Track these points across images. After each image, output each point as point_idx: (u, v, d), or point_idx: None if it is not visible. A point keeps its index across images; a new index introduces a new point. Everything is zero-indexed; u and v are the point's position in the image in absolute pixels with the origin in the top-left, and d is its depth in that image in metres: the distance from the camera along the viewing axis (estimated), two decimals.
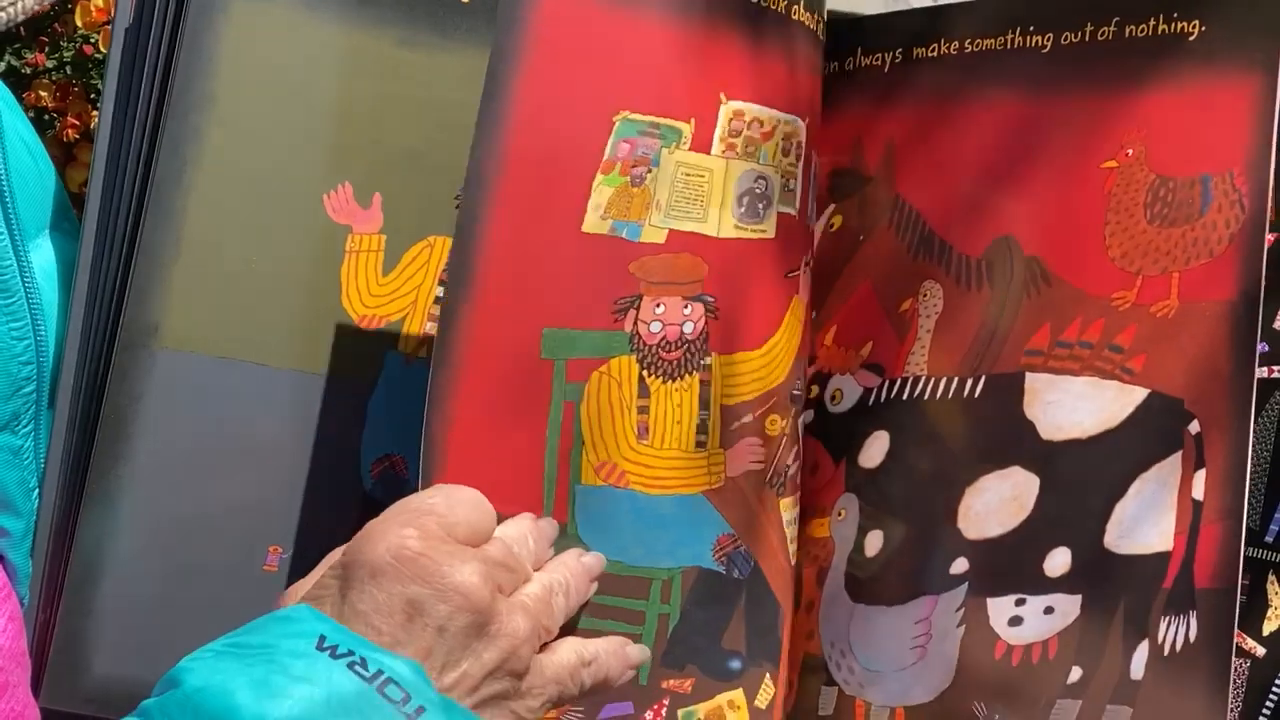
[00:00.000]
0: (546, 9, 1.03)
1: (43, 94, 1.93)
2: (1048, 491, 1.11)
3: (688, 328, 1.08)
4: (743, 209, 1.10)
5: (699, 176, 1.08)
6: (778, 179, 1.11)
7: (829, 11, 1.19)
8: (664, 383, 1.07)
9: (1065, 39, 1.16)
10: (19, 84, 1.96)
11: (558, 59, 1.03)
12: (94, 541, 1.08)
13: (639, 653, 1.05)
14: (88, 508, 1.08)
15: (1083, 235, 1.13)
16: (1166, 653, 1.05)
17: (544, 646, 0.98)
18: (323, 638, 0.87)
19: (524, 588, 0.97)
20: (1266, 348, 1.22)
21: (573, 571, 1.01)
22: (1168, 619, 1.05)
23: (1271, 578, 1.22)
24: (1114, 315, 1.11)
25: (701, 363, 1.08)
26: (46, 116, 1.95)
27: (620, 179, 1.05)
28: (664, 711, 1.08)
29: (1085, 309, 1.12)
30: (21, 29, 2.06)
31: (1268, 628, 1.20)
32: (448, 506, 0.95)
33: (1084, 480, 1.10)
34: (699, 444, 1.09)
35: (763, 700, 1.12)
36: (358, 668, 0.86)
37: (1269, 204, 1.06)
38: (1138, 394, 1.10)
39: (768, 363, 1.11)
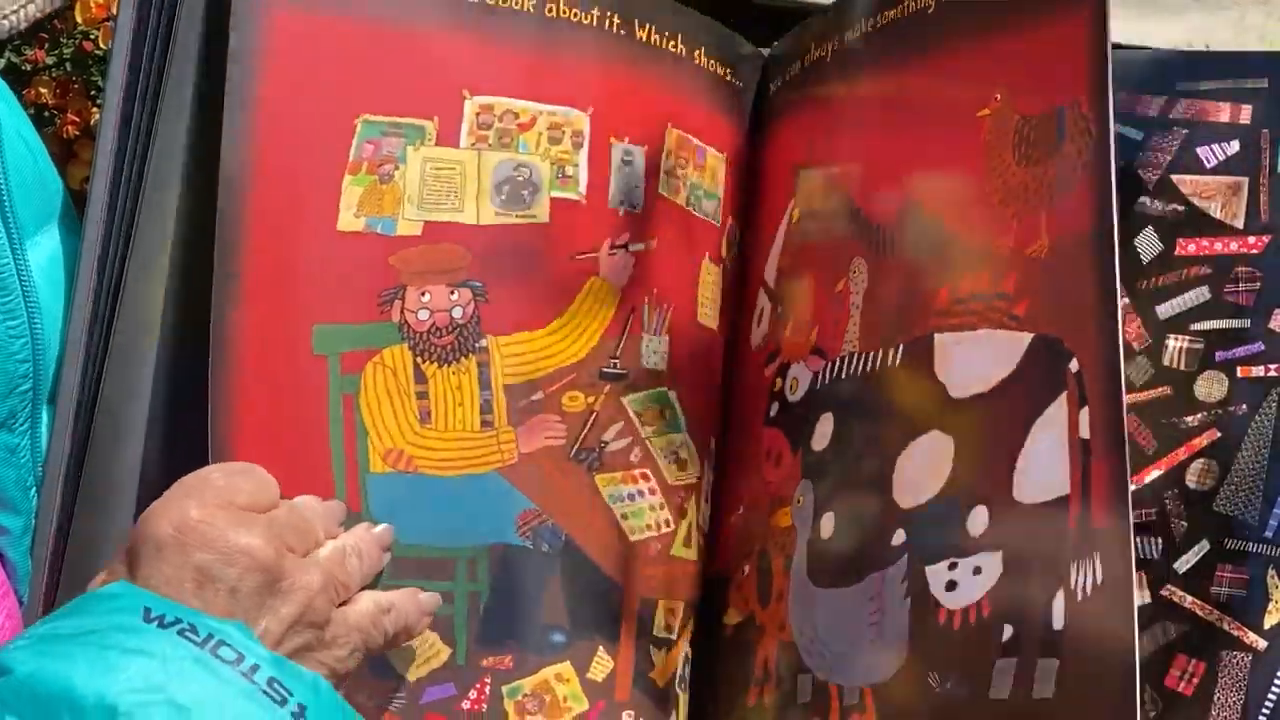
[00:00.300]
0: (279, 23, 1.10)
1: (43, 91, 2.00)
2: (961, 451, 1.09)
3: (456, 313, 1.12)
4: (503, 197, 1.14)
5: (449, 169, 1.13)
6: (546, 166, 1.16)
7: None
8: (440, 367, 1.11)
9: None
10: (19, 81, 2.03)
11: (294, 69, 1.10)
12: (93, 540, 1.09)
13: (430, 599, 1.07)
14: (86, 506, 1.09)
15: (967, 188, 1.13)
16: (1080, 598, 1.00)
17: (343, 604, 1.01)
18: (148, 610, 0.90)
19: (316, 550, 1.00)
20: (1263, 347, 1.20)
21: (363, 539, 1.05)
22: (1076, 564, 1.01)
23: (1271, 572, 1.18)
24: (997, 263, 1.10)
25: (477, 345, 1.12)
26: (47, 113, 2.02)
27: (368, 178, 1.11)
28: (487, 689, 1.10)
29: (974, 262, 1.12)
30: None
31: (1269, 621, 1.17)
32: (225, 477, 1.00)
33: (989, 435, 1.08)
34: (485, 423, 1.12)
35: (597, 673, 1.13)
36: (189, 634, 0.89)
37: (1113, 128, 1.07)
38: (1024, 339, 1.07)
39: (555, 341, 1.15)
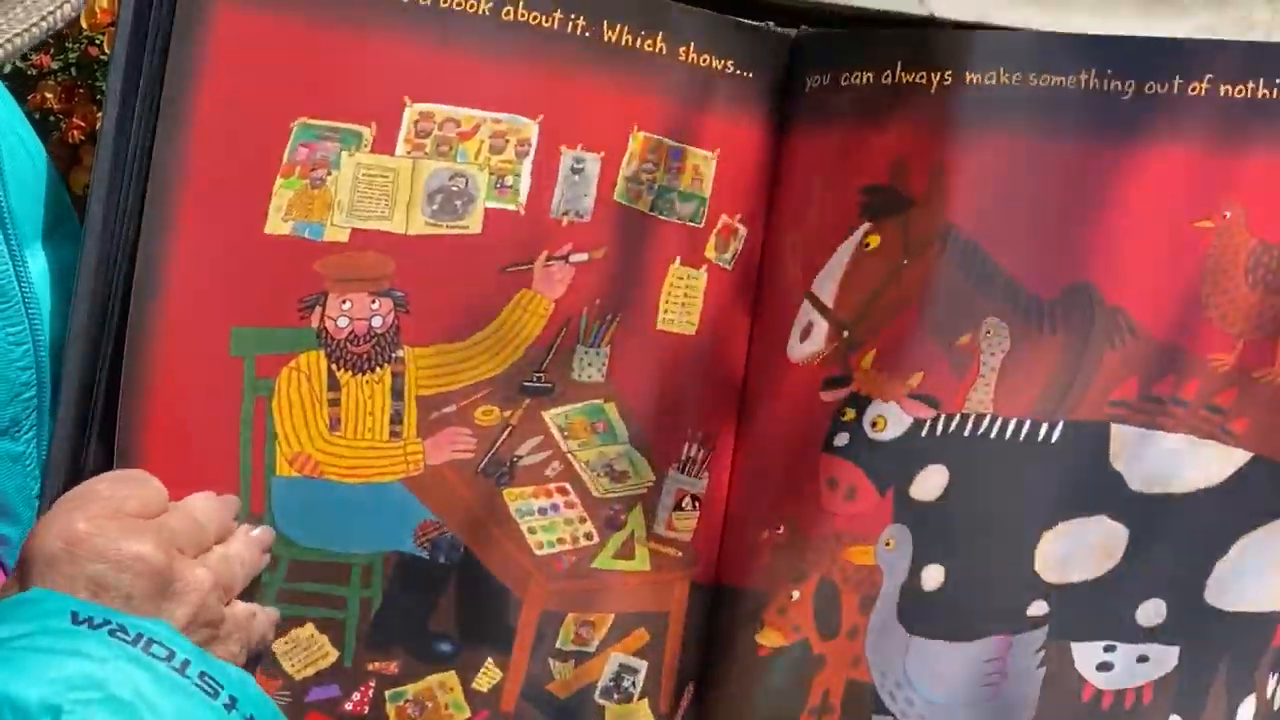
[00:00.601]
0: (222, 21, 1.11)
1: (48, 95, 2.05)
2: (1139, 543, 1.15)
3: (376, 322, 1.13)
4: (435, 206, 1.15)
5: (382, 177, 1.14)
6: (484, 176, 1.15)
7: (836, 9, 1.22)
8: (354, 375, 1.14)
9: (1150, 88, 1.18)
10: (24, 85, 2.08)
11: (235, 70, 1.12)
12: None
13: (265, 615, 1.10)
14: None
15: (1175, 292, 1.17)
16: (1277, 707, 1.12)
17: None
18: (75, 613, 0.95)
19: (206, 554, 1.05)
20: None
21: (244, 543, 1.09)
22: (1277, 675, 1.12)
23: None
24: (1211, 376, 1.15)
25: (393, 355, 1.14)
26: (52, 118, 2.07)
27: (300, 182, 1.12)
28: (370, 693, 1.15)
29: (1179, 366, 1.16)
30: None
31: None
32: (112, 486, 1.04)
33: (1181, 536, 1.15)
34: (393, 434, 1.15)
35: (483, 684, 1.17)
36: (120, 634, 0.95)
37: None
38: (1239, 456, 1.15)
39: (474, 354, 1.16)
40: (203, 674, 0.95)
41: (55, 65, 2.07)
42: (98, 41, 2.02)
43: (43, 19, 1.04)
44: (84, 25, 1.97)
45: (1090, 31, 1.21)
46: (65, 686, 0.89)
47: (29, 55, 2.03)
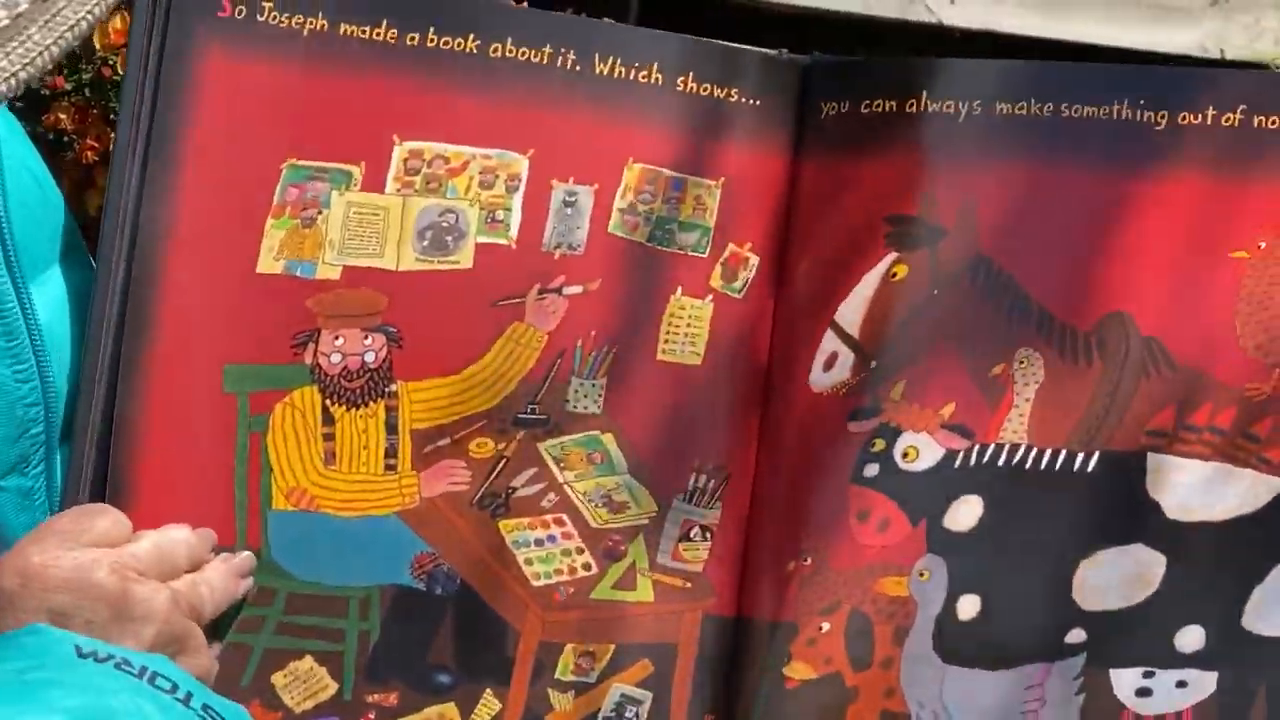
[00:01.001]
0: (210, 68, 1.14)
1: (62, 116, 2.09)
2: (1176, 570, 1.17)
3: (369, 357, 1.16)
4: (425, 242, 1.18)
5: (373, 215, 1.16)
6: (474, 212, 1.18)
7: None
8: (348, 410, 1.16)
9: (1184, 119, 1.20)
10: (38, 106, 2.12)
11: (224, 113, 1.16)
12: None
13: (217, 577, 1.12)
14: None
15: (1210, 322, 1.19)
16: None
17: None
18: (78, 647, 0.99)
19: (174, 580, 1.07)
20: None
21: (216, 570, 1.12)
22: None
23: None
24: (1248, 405, 1.17)
25: (387, 390, 1.17)
26: (65, 139, 2.10)
27: (291, 221, 1.15)
28: None
29: (1215, 395, 1.18)
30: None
31: None
32: (73, 520, 1.07)
33: (1218, 562, 1.17)
34: (389, 467, 1.17)
35: (483, 715, 1.19)
36: (124, 666, 0.98)
37: None
38: (1276, 484, 1.16)
39: (468, 388, 1.19)
40: (205, 706, 0.98)
41: (69, 86, 2.11)
42: (110, 62, 2.06)
43: (60, 37, 1.07)
44: (97, 45, 2.01)
45: (1098, 40, 1.22)
46: (78, 715, 0.92)
47: (42, 77, 2.07)
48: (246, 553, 1.15)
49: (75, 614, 1.00)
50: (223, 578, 1.12)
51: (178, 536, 1.11)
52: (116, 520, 1.08)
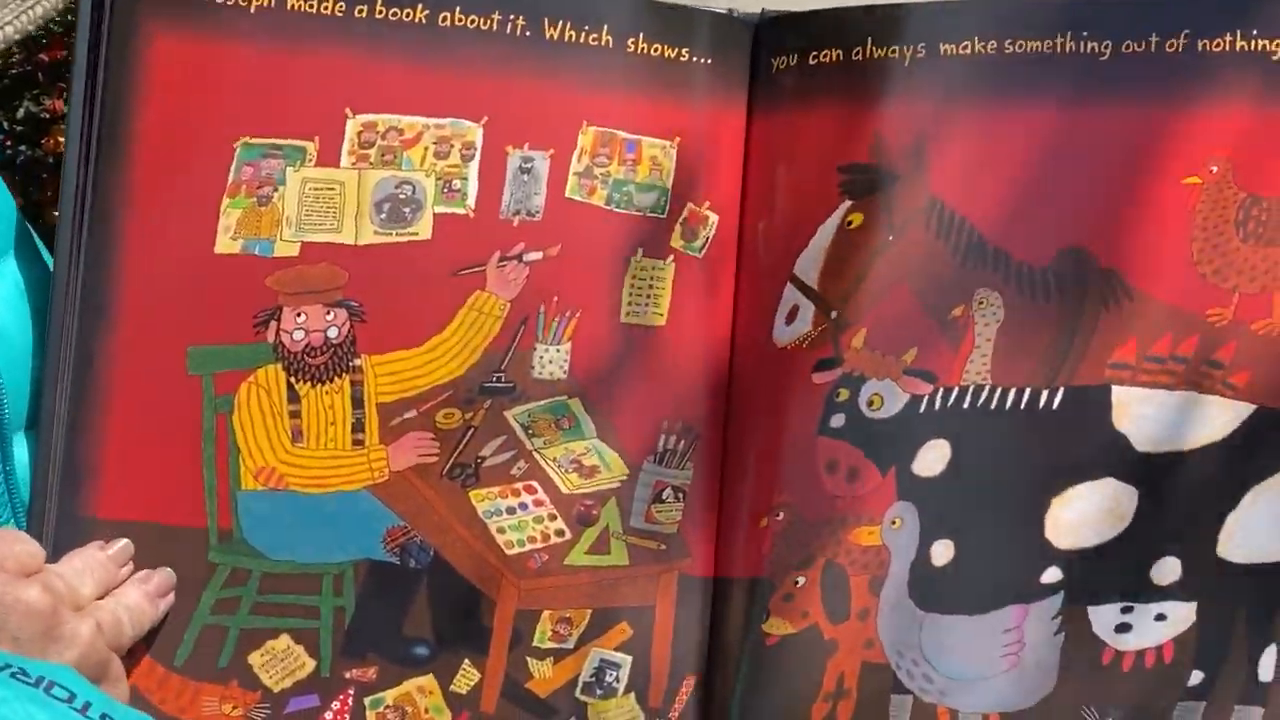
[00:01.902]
0: (158, 47, 1.16)
1: (61, 140, 2.11)
2: (1149, 502, 1.19)
3: (332, 333, 1.18)
4: (383, 215, 1.19)
5: (329, 190, 1.18)
6: (431, 182, 1.19)
7: None
8: (313, 387, 1.18)
9: (1128, 47, 1.22)
10: (38, 130, 2.14)
11: (174, 94, 1.18)
12: None
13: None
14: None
15: (1167, 250, 1.20)
16: None
17: None
18: None
19: (90, 606, 1.11)
20: None
21: (138, 594, 1.14)
22: None
23: None
24: (1210, 331, 1.19)
25: (351, 364, 1.19)
26: None
27: (247, 200, 1.17)
28: (350, 700, 1.19)
29: (1176, 324, 1.19)
30: (41, 75, 2.28)
31: None
32: None
33: (1190, 492, 1.19)
34: (356, 442, 1.20)
35: (462, 685, 1.21)
36: (20, 676, 0.99)
37: None
38: (1243, 409, 1.18)
39: (432, 359, 1.20)
40: (104, 715, 0.98)
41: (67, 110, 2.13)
42: None
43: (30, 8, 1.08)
44: None
45: None
46: None
47: (42, 100, 2.09)
48: (166, 571, 1.17)
49: (2, 627, 1.03)
50: (139, 601, 1.15)
51: (81, 565, 1.13)
52: (32, 550, 1.10)
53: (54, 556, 1.13)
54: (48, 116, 2.12)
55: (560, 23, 1.24)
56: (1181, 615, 1.18)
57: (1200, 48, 1.19)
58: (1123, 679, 1.18)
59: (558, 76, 1.24)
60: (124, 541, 1.16)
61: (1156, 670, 1.17)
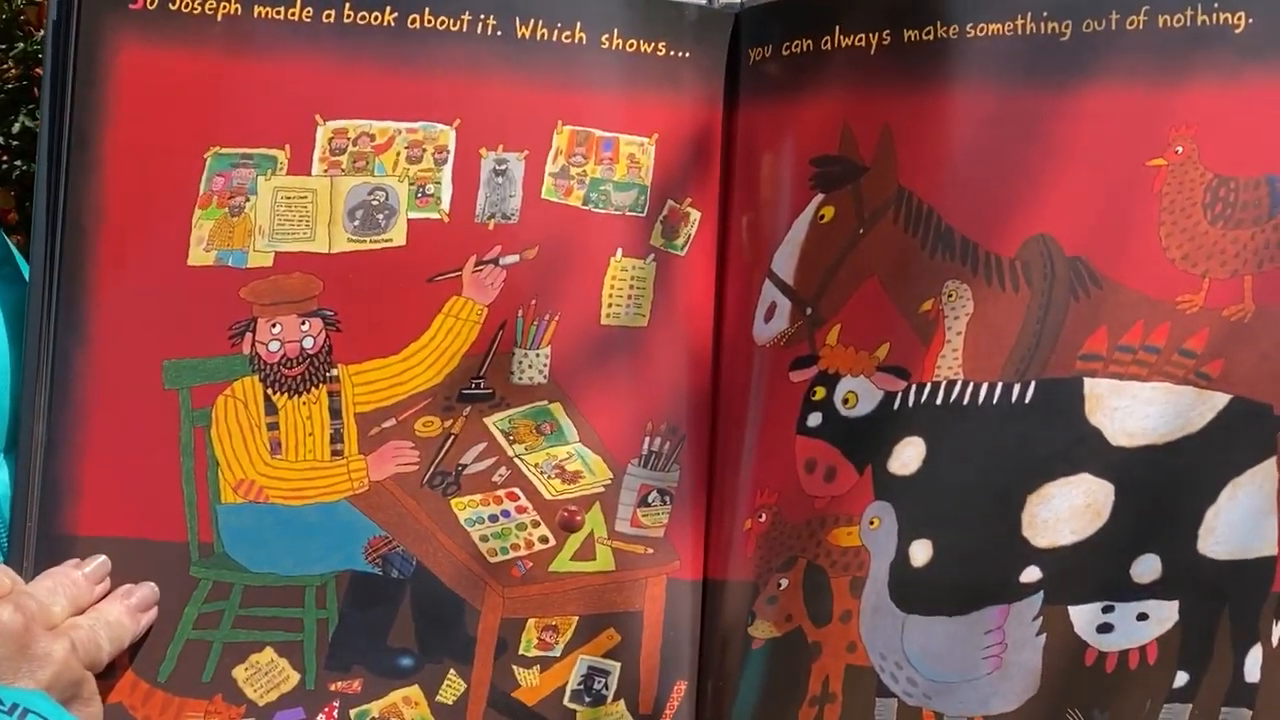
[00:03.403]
0: (125, 59, 1.18)
1: None
2: (1125, 498, 1.19)
3: (308, 343, 1.20)
4: (356, 222, 1.21)
5: (301, 198, 1.20)
6: (404, 187, 1.21)
7: None
8: (290, 398, 1.20)
9: (1088, 26, 1.22)
10: (34, 145, 2.15)
11: (142, 106, 1.20)
12: None
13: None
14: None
15: (1134, 236, 1.20)
16: None
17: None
18: None
19: (66, 625, 1.12)
20: None
21: (116, 610, 1.17)
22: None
23: None
24: (1181, 319, 1.19)
25: (328, 374, 1.20)
26: None
27: (219, 211, 1.19)
28: (335, 713, 1.22)
29: (1146, 312, 1.20)
30: (36, 90, 2.30)
31: None
32: None
33: (1167, 487, 1.19)
34: (335, 452, 1.21)
35: (448, 695, 1.23)
36: None
37: None
38: (1219, 400, 1.18)
39: (410, 367, 1.22)
40: None
41: None
42: None
43: None
44: None
45: None
46: None
47: (37, 115, 2.09)
48: (149, 585, 1.19)
49: None
50: (120, 616, 1.17)
51: (74, 576, 1.16)
52: (3, 572, 1.13)
53: (35, 575, 1.16)
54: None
55: (532, 21, 1.26)
56: (1164, 614, 1.18)
57: (1161, 24, 1.20)
58: (1106, 680, 1.18)
59: (531, 76, 1.26)
60: (100, 558, 1.18)
61: (1140, 671, 1.18)
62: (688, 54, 1.30)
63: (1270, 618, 1.16)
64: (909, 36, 1.25)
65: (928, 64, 1.25)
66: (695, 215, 1.31)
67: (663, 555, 1.29)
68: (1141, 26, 1.20)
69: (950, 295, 1.23)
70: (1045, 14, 1.22)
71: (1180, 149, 1.19)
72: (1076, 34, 1.21)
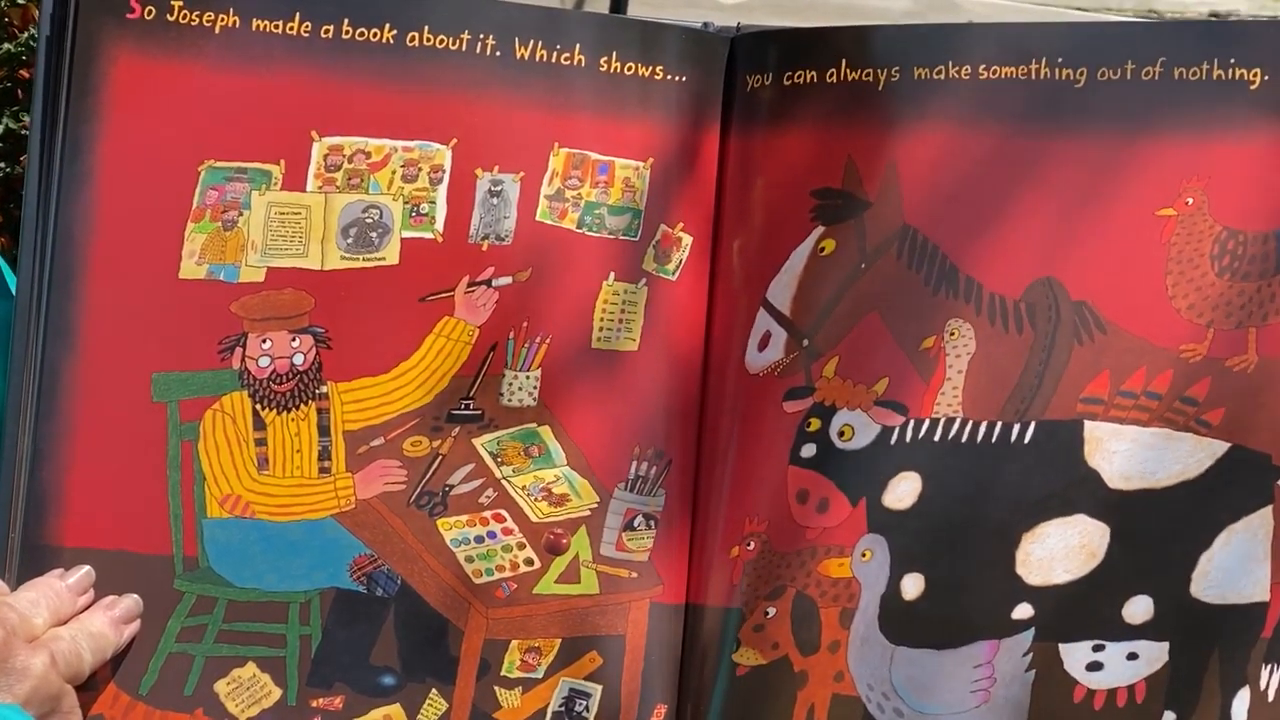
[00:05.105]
0: (120, 70, 1.19)
1: None
2: (1121, 540, 1.22)
3: (298, 359, 1.22)
4: (350, 240, 1.23)
5: (295, 214, 1.22)
6: (399, 206, 1.23)
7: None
8: (279, 414, 1.22)
9: (1102, 75, 1.25)
10: (18, 146, 2.17)
11: (137, 117, 1.21)
12: None
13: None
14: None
15: (1140, 283, 1.23)
16: (1271, 698, 1.20)
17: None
18: None
19: (46, 637, 1.14)
20: None
21: (99, 621, 1.18)
22: (1270, 666, 1.20)
23: None
24: (1184, 367, 1.22)
25: (317, 391, 1.22)
26: None
27: (212, 225, 1.21)
28: None
29: (1149, 359, 1.23)
30: (20, 92, 2.32)
31: None
32: None
33: (1162, 531, 1.22)
34: (323, 470, 1.23)
35: (430, 715, 1.25)
36: None
37: None
38: (1218, 447, 1.22)
39: (399, 386, 1.24)
40: None
41: None
42: None
43: None
44: None
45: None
46: None
47: (20, 117, 2.10)
48: (133, 597, 1.21)
49: None
50: (103, 627, 1.18)
51: (57, 586, 1.17)
52: None
53: (18, 585, 1.17)
54: (28, 134, 2.16)
55: (531, 42, 1.28)
56: (1154, 655, 1.21)
57: (1176, 75, 1.22)
58: (1094, 717, 1.21)
59: (528, 97, 1.27)
60: (85, 569, 1.19)
61: (1128, 709, 1.21)
62: (684, 78, 1.32)
63: (1260, 662, 1.20)
64: (919, 74, 1.27)
65: (937, 103, 1.27)
66: (687, 240, 1.32)
67: (646, 580, 1.30)
68: (1156, 78, 1.23)
69: (953, 333, 1.25)
70: (1060, 60, 1.25)
71: (1190, 200, 1.22)
72: (1091, 81, 1.24)
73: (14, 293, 1.21)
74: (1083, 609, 1.22)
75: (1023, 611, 1.23)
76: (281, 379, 1.23)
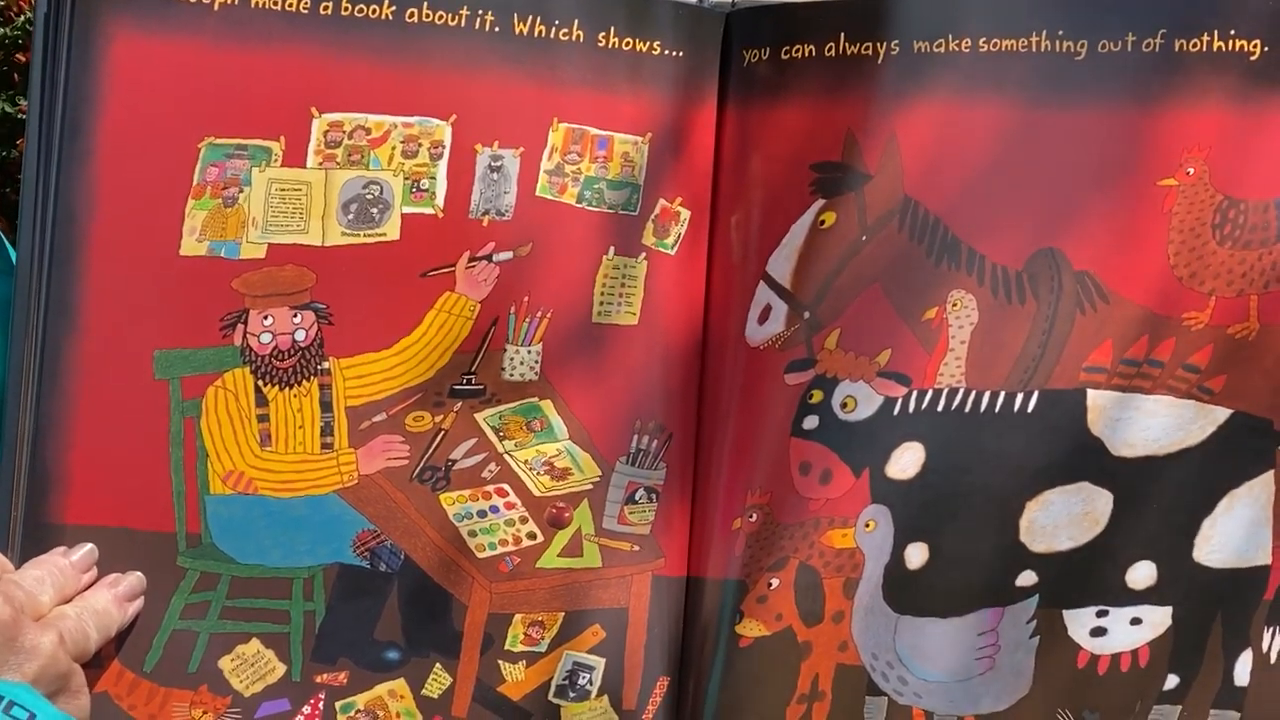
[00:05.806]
0: (118, 47, 1.20)
1: None
2: (1124, 507, 1.24)
3: (299, 335, 1.23)
4: (351, 216, 1.23)
5: (295, 190, 1.22)
6: (399, 182, 1.24)
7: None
8: (281, 390, 1.23)
9: (1103, 47, 1.26)
10: (13, 130, 2.17)
11: (137, 93, 1.21)
12: None
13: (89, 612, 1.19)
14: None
15: (1143, 253, 1.25)
16: (1274, 660, 1.22)
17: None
18: None
19: (54, 615, 1.14)
20: None
21: (103, 599, 1.19)
22: (1272, 629, 1.22)
23: None
24: (1186, 335, 1.23)
25: (319, 367, 1.23)
26: None
27: (212, 201, 1.21)
28: (321, 705, 1.24)
29: (1152, 327, 1.24)
30: (16, 75, 2.33)
31: None
32: None
33: (1165, 496, 1.24)
34: (325, 445, 1.24)
35: (433, 689, 1.25)
36: None
37: None
38: (1220, 413, 1.23)
39: (402, 361, 1.25)
40: None
41: None
42: None
43: None
44: None
45: None
46: None
47: (16, 100, 2.11)
48: (136, 574, 1.21)
49: None
50: (107, 604, 1.19)
51: (61, 564, 1.18)
52: None
53: (21, 563, 1.17)
54: (23, 118, 2.15)
55: (530, 17, 1.28)
56: (1157, 619, 1.22)
57: (1177, 47, 1.23)
58: (1098, 682, 1.22)
59: (527, 73, 1.27)
60: (88, 546, 1.19)
61: (1132, 674, 1.22)
62: (681, 53, 1.32)
63: (1261, 624, 1.21)
64: (919, 48, 1.28)
65: (938, 75, 1.27)
66: (686, 214, 1.33)
67: (648, 553, 1.31)
68: (1157, 49, 1.24)
69: (955, 304, 1.26)
70: (1060, 33, 1.26)
71: (1191, 170, 1.23)
72: (1091, 53, 1.25)
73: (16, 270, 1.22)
74: (1086, 575, 1.23)
75: (1027, 579, 1.24)
76: (283, 355, 1.24)
